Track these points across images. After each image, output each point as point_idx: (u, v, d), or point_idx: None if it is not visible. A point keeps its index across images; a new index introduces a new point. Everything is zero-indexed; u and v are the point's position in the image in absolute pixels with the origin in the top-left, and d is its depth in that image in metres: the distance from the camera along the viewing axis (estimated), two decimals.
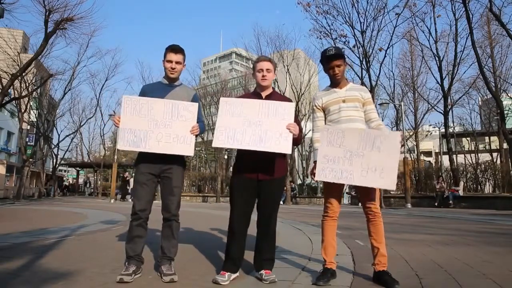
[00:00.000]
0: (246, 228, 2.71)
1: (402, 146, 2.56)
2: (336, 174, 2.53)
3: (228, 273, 2.55)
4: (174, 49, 2.81)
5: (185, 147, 2.71)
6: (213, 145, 2.69)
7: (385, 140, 2.50)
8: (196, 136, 2.80)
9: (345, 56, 2.83)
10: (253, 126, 2.61)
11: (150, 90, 2.86)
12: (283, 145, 2.58)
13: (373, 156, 2.49)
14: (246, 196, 2.69)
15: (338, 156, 2.54)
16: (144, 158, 2.75)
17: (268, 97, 2.77)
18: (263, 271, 2.57)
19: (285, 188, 21.01)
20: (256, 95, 2.81)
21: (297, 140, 2.67)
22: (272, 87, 2.87)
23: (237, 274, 2.64)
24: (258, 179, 2.68)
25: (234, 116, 2.65)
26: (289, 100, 2.88)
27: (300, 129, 2.70)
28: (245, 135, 2.60)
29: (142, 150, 2.71)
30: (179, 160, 2.79)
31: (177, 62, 2.80)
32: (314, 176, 2.59)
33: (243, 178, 2.71)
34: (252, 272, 2.76)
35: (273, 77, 2.80)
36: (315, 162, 2.65)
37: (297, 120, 2.71)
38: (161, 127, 2.70)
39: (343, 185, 2.75)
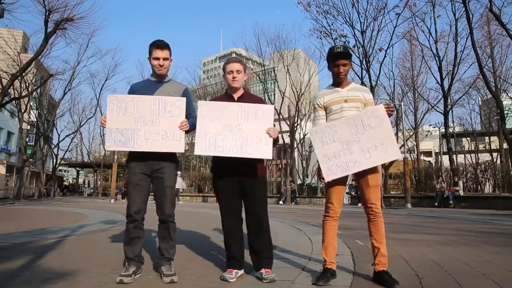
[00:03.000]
0: (240, 225, 2.73)
1: (390, 115, 2.55)
2: (343, 167, 2.52)
3: (235, 270, 2.60)
4: (160, 45, 2.76)
5: (175, 143, 2.66)
6: (195, 152, 2.67)
7: (372, 115, 2.53)
8: (187, 132, 2.75)
9: (351, 57, 2.82)
10: (234, 131, 2.60)
11: (139, 88, 2.81)
12: (264, 151, 2.59)
13: (368, 135, 2.51)
14: (231, 196, 2.70)
15: (336, 150, 2.55)
16: (135, 157, 2.70)
17: (241, 98, 2.77)
18: (262, 270, 2.56)
19: (285, 188, 21.08)
20: (228, 97, 2.80)
21: (275, 142, 2.69)
22: (244, 87, 2.86)
23: (242, 271, 2.68)
24: (239, 179, 2.68)
25: (214, 120, 2.62)
26: (263, 100, 2.90)
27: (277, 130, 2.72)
28: (226, 141, 2.58)
29: (131, 149, 2.66)
30: (170, 158, 2.74)
31: (164, 59, 2.76)
32: (324, 180, 2.58)
33: (225, 179, 2.71)
34: (253, 272, 2.77)
35: (243, 78, 2.79)
36: (319, 164, 2.65)
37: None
38: (148, 125, 2.65)
39: (345, 184, 2.75)
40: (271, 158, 2.73)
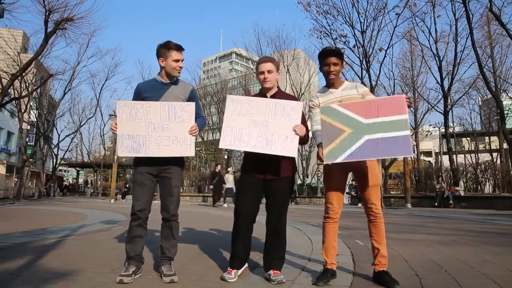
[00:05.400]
0: (252, 226, 2.70)
1: (409, 107, 2.39)
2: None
3: (235, 270, 2.59)
4: (179, 47, 2.77)
5: (185, 148, 2.68)
6: (220, 146, 2.67)
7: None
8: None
9: (343, 58, 2.77)
10: (259, 127, 2.59)
11: (145, 90, 2.82)
12: (289, 148, 2.56)
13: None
14: (252, 195, 2.68)
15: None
16: (143, 158, 2.72)
17: (273, 97, 2.75)
18: (271, 271, 2.55)
19: None
20: (261, 96, 2.79)
21: (304, 140, 2.65)
22: (278, 87, 2.83)
23: (242, 269, 2.68)
24: (266, 178, 2.67)
25: (241, 115, 2.62)
26: (295, 99, 2.84)
27: (307, 128, 2.68)
28: (251, 136, 2.58)
29: (143, 155, 2.68)
30: (177, 160, 2.77)
31: (182, 60, 2.79)
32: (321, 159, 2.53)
33: (251, 177, 2.69)
34: (255, 270, 2.77)
35: (276, 77, 2.76)
36: (319, 145, 2.60)
37: (304, 119, 2.68)
38: (159, 131, 2.67)
39: (344, 184, 2.74)
40: (295, 156, 2.70)
